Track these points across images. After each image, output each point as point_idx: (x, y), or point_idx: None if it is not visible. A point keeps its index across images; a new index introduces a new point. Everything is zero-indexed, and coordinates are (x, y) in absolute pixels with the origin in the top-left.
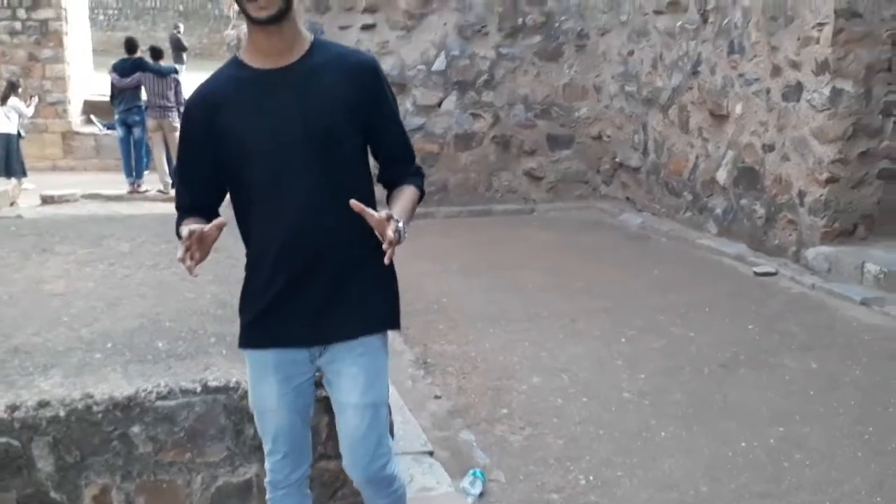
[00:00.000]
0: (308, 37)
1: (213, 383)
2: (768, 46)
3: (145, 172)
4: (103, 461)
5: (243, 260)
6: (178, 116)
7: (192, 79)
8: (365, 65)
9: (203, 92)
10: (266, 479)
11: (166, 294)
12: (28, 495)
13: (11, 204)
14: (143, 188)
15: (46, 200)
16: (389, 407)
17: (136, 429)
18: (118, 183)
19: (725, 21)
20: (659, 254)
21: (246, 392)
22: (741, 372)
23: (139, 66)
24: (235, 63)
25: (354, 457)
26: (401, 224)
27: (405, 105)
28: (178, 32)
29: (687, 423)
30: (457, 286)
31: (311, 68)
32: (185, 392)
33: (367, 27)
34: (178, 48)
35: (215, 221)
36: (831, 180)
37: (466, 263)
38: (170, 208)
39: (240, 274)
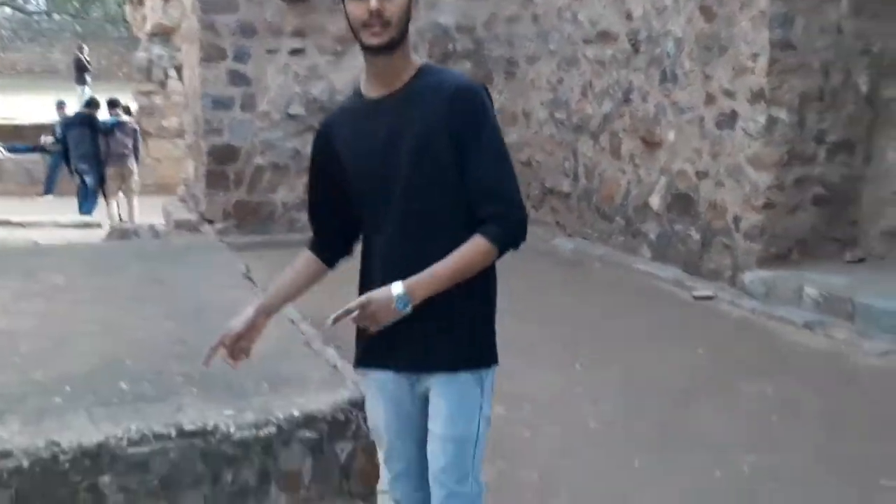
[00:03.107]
0: (417, 63)
1: (188, 427)
2: (702, 75)
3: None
4: None
5: (191, 292)
6: (134, 162)
7: None
8: (461, 89)
9: (325, 121)
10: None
11: (117, 332)
12: None
13: None
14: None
15: None
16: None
17: (105, 478)
18: (21, 208)
19: (657, 51)
20: (596, 279)
21: (225, 436)
22: (700, 398)
23: (88, 121)
24: (355, 92)
25: (433, 486)
26: (374, 306)
27: None
28: (82, 54)
29: (658, 452)
30: None
31: (411, 94)
32: (158, 437)
33: (295, 51)
34: (81, 69)
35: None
36: (768, 206)
37: None
38: (88, 235)
39: (192, 307)
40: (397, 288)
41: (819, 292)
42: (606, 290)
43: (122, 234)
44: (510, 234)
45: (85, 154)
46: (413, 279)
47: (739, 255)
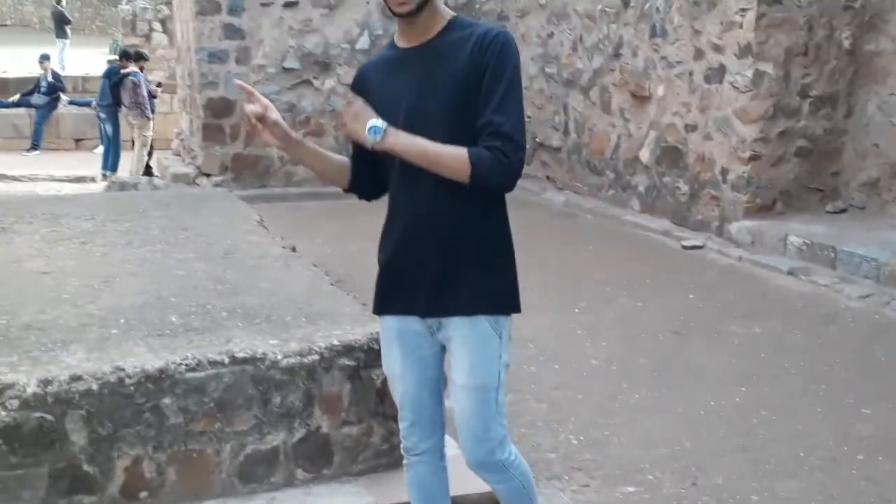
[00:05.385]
0: (447, 15)
1: (240, 354)
2: (691, 30)
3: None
4: (135, 433)
5: (216, 237)
6: (138, 115)
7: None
8: (484, 37)
9: (361, 69)
10: (401, 445)
11: (156, 271)
12: (60, 469)
13: None
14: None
15: None
16: (500, 392)
17: (167, 400)
18: (11, 163)
19: (647, 5)
20: (588, 230)
21: (273, 363)
22: (693, 338)
23: (108, 73)
24: (390, 43)
25: (461, 437)
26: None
27: (327, 83)
28: (61, 6)
29: (655, 385)
30: None
31: (441, 46)
32: (213, 363)
33: (289, 5)
34: (61, 22)
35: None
36: (754, 158)
37: None
38: (84, 188)
39: (220, 250)
40: (380, 121)
41: (803, 240)
42: (599, 241)
43: (120, 186)
44: (497, 167)
45: (102, 103)
46: (396, 130)
47: (726, 206)
